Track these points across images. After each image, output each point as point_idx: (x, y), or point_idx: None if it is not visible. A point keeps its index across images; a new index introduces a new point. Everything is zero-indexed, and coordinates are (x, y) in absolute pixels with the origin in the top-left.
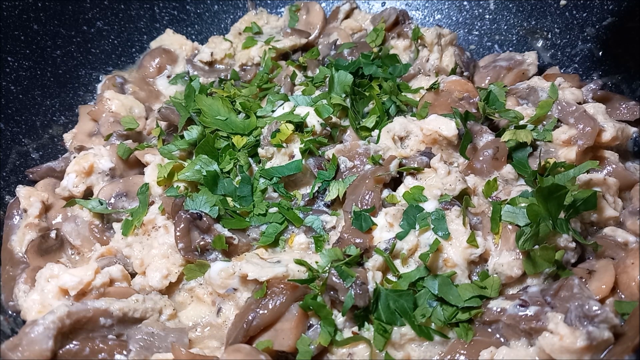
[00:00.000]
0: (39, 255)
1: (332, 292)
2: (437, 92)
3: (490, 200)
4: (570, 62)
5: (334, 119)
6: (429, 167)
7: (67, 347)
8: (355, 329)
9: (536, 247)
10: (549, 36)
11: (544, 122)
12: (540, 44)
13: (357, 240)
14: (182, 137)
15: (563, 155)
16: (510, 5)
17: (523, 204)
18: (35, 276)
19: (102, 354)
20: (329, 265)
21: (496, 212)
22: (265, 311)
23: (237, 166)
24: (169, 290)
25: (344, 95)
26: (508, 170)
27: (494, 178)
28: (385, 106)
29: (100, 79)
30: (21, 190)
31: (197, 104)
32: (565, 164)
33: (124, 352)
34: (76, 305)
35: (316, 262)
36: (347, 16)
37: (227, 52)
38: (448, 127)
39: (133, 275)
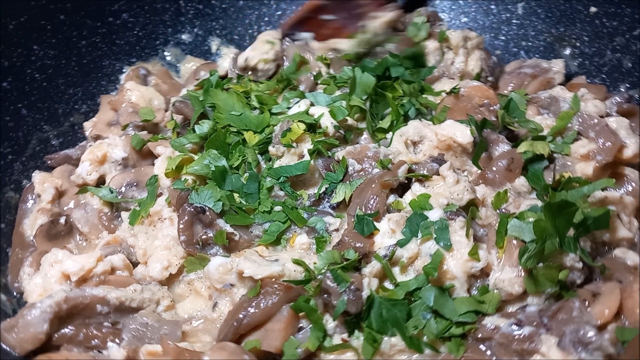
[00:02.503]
0: (47, 239)
1: (325, 296)
2: (457, 96)
3: (499, 212)
4: (597, 72)
5: (350, 121)
6: (438, 174)
7: (62, 331)
8: (346, 335)
9: (540, 264)
10: (577, 44)
11: (564, 135)
12: (568, 52)
13: (358, 245)
14: (194, 130)
15: (580, 170)
16: (539, 11)
17: (531, 219)
18: (40, 260)
19: (95, 340)
20: (325, 268)
21: (502, 225)
22: (256, 310)
23: (246, 163)
24: (169, 281)
25: (364, 97)
26: (521, 182)
27: (504, 190)
28: (405, 108)
29: (123, 70)
30: (36, 176)
31: (212, 99)
32: (581, 179)
33: (117, 340)
34: (74, 291)
35: (314, 264)
36: None
37: (261, 58)
38: (463, 134)
39: (136, 264)
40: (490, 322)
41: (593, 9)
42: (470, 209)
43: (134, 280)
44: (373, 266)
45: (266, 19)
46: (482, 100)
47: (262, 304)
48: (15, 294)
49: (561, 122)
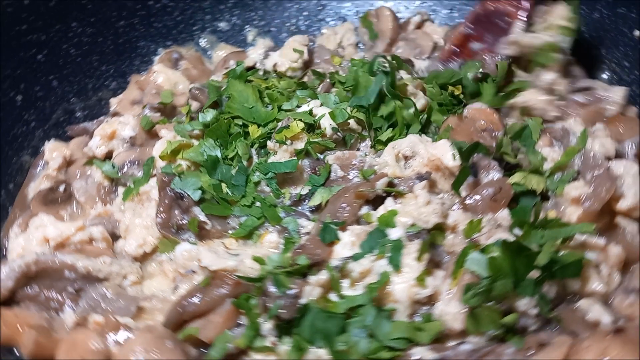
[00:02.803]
0: (42, 204)
1: (263, 297)
2: (461, 117)
3: (469, 242)
4: (633, 102)
5: (355, 126)
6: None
7: (26, 290)
8: (275, 339)
9: (489, 304)
10: (617, 69)
11: (565, 172)
12: (605, 76)
13: (316, 251)
14: None
15: (569, 214)
16: (582, 29)
17: (495, 254)
18: (29, 222)
19: (54, 303)
20: (271, 270)
21: (462, 256)
22: (201, 300)
23: (237, 155)
24: (143, 258)
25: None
26: (504, 215)
27: (478, 219)
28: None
29: (157, 52)
30: (48, 144)
31: (229, 89)
32: (559, 222)
33: (73, 306)
34: (45, 255)
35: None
36: (418, 27)
37: (289, 66)
38: (450, 157)
39: (119, 238)
40: (416, 353)
41: (637, 33)
42: (432, 233)
43: (108, 252)
44: (322, 275)
45: (305, 13)
46: (486, 124)
47: (207, 295)
48: (2, 250)
49: (565, 158)
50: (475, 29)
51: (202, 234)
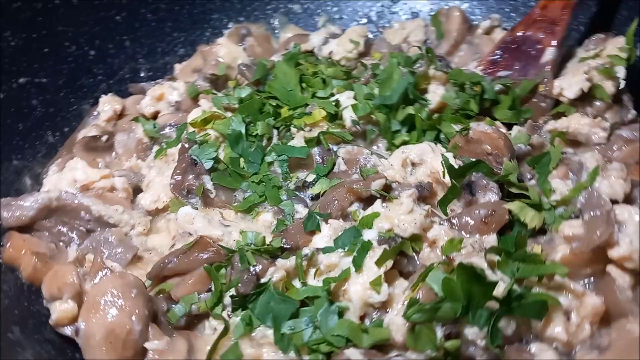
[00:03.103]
0: (84, 149)
1: (230, 269)
2: (467, 138)
3: (444, 258)
4: None
5: (380, 119)
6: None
7: (44, 221)
8: (229, 310)
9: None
10: None
11: (568, 207)
12: None
13: (295, 237)
14: None
15: (560, 252)
16: None
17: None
18: (65, 163)
19: (64, 237)
20: (244, 245)
21: (427, 270)
22: (180, 260)
23: (256, 134)
24: (155, 213)
25: (391, 102)
26: (492, 240)
27: (459, 239)
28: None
29: (229, 25)
30: (103, 97)
31: (275, 69)
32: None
33: (78, 243)
34: (67, 194)
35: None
36: (487, 33)
37: (344, 56)
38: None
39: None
40: (349, 354)
41: None
42: (403, 242)
43: (124, 202)
44: (289, 261)
45: (379, 4)
46: (490, 149)
47: (188, 257)
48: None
49: (572, 193)
50: (503, 56)
51: (206, 201)
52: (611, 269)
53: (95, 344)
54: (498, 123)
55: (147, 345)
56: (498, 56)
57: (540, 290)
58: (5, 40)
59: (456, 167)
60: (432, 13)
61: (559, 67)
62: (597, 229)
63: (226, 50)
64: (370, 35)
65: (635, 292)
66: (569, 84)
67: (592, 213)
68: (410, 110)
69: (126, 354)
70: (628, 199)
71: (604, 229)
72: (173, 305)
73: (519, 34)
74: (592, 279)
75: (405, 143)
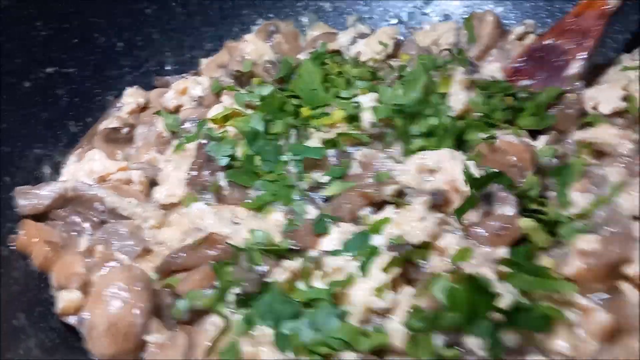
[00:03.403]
0: (104, 140)
1: (237, 268)
2: (492, 146)
3: (452, 267)
4: None
5: (399, 122)
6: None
7: (58, 210)
8: (233, 308)
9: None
10: None
11: (586, 221)
12: None
13: (304, 239)
14: None
15: (571, 266)
16: None
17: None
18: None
19: (77, 227)
20: (252, 244)
21: (433, 279)
22: (187, 255)
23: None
24: (170, 207)
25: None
26: (503, 253)
27: (470, 248)
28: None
29: (258, 22)
30: (127, 90)
31: (301, 68)
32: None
33: (90, 234)
34: (83, 185)
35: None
36: (520, 39)
37: (372, 57)
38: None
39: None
40: (347, 357)
41: None
42: (413, 250)
43: (138, 195)
44: (294, 262)
45: (411, 4)
46: (515, 161)
47: (195, 252)
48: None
49: (592, 207)
50: (527, 64)
51: (219, 198)
52: (623, 285)
53: (98, 335)
54: (524, 133)
55: (147, 338)
56: (522, 64)
57: (547, 303)
58: (36, 29)
59: (477, 176)
60: (465, 16)
61: (595, 73)
62: (614, 246)
63: (253, 47)
64: (401, 37)
65: None
66: (606, 99)
67: (610, 229)
68: (432, 121)
69: (127, 346)
70: None
71: (622, 246)
72: (177, 300)
73: (547, 42)
74: (602, 294)
75: (422, 149)
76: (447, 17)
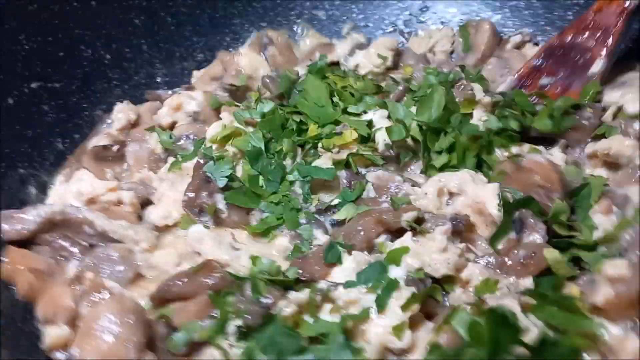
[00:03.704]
0: (93, 159)
1: (240, 297)
2: (517, 166)
3: (475, 299)
4: None
5: (412, 144)
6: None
7: (44, 235)
8: (233, 340)
9: None
10: None
11: (611, 246)
12: None
13: (314, 268)
14: None
15: (600, 294)
16: None
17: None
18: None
19: (65, 252)
20: (257, 274)
21: (453, 312)
22: (184, 284)
23: (277, 151)
24: (164, 229)
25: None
26: (528, 283)
27: (495, 280)
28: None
29: (250, 30)
30: (118, 105)
31: (305, 83)
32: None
33: (79, 259)
34: (71, 208)
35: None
36: (518, 47)
37: (371, 70)
38: (495, 205)
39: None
40: None
41: None
42: (432, 286)
43: (130, 216)
44: (301, 294)
45: (407, 12)
46: (543, 181)
47: (192, 281)
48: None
49: (616, 230)
50: (548, 62)
51: (217, 221)
52: None
53: None
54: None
55: None
56: (541, 61)
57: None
58: (19, 43)
59: (510, 201)
60: (462, 23)
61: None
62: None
63: (247, 60)
64: (400, 47)
65: None
66: (632, 99)
67: (638, 252)
68: (453, 137)
69: None
70: None
71: None
72: (174, 333)
73: (568, 39)
74: (636, 321)
75: (445, 165)
76: (444, 25)
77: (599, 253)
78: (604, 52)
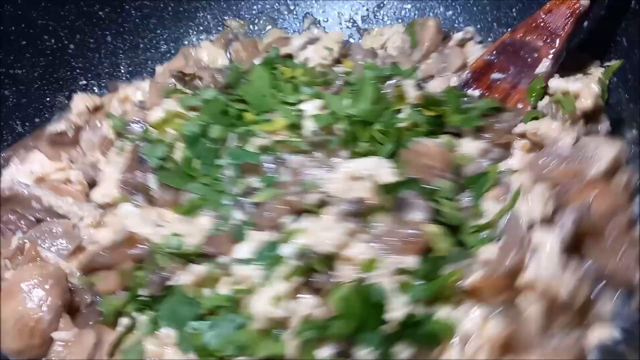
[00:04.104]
0: (48, 143)
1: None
2: (414, 151)
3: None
4: None
5: (340, 132)
6: None
7: None
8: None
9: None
10: None
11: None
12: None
13: (221, 244)
14: None
15: (473, 276)
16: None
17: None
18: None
19: (11, 225)
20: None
21: (334, 289)
22: (107, 254)
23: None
24: (109, 207)
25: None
26: (412, 261)
27: (374, 259)
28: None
29: (212, 24)
30: (78, 94)
31: (252, 73)
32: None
33: (24, 232)
34: (20, 185)
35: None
36: (460, 45)
37: (319, 62)
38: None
39: None
40: None
41: None
42: (314, 259)
43: (77, 194)
44: (200, 266)
45: (365, 8)
46: (430, 162)
47: (114, 251)
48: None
49: (496, 216)
50: (500, 57)
51: (149, 199)
52: (520, 296)
53: (5, 330)
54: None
55: (54, 335)
56: (494, 57)
57: (442, 316)
58: None
59: (388, 182)
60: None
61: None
62: (508, 254)
63: (207, 53)
64: (353, 40)
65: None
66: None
67: (507, 237)
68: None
69: (33, 342)
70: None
71: (514, 254)
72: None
73: (519, 36)
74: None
75: (370, 153)
76: (401, 21)
77: (482, 238)
78: (551, 54)
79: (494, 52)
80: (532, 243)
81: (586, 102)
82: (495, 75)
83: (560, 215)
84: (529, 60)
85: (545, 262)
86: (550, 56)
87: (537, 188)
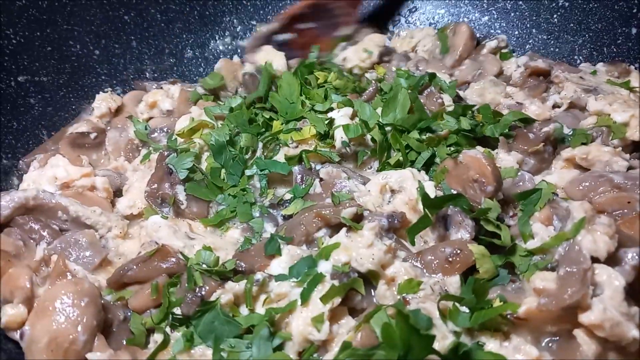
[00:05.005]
0: (70, 146)
1: (178, 287)
2: (455, 162)
3: (399, 298)
4: None
5: (370, 143)
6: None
7: (17, 218)
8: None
9: None
10: None
11: (545, 257)
12: None
13: (254, 259)
14: None
15: (526, 304)
16: None
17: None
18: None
19: (35, 235)
20: (195, 264)
21: (374, 311)
22: (139, 268)
23: (239, 146)
24: (133, 218)
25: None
26: (454, 281)
27: (418, 280)
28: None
29: (238, 28)
30: (100, 95)
31: (281, 80)
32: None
33: (48, 242)
34: (45, 194)
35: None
36: (494, 52)
37: (357, 64)
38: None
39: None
40: None
41: None
42: (353, 279)
43: (103, 202)
44: (238, 284)
45: (396, 12)
46: (477, 176)
47: (147, 265)
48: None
49: (552, 242)
50: (308, 13)
51: (177, 211)
52: (578, 333)
53: (37, 350)
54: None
55: (88, 356)
56: (303, 11)
57: (492, 348)
58: (7, 37)
59: (432, 196)
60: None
61: None
62: (569, 287)
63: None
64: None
65: None
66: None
67: (568, 268)
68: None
69: None
70: (612, 260)
71: (576, 289)
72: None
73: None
74: (556, 338)
75: (398, 164)
76: (434, 26)
77: (532, 262)
78: (349, 23)
79: (305, 7)
80: (595, 280)
81: (635, 134)
82: (300, 25)
83: (622, 252)
84: (331, 22)
85: (610, 302)
86: (349, 24)
87: (604, 220)
